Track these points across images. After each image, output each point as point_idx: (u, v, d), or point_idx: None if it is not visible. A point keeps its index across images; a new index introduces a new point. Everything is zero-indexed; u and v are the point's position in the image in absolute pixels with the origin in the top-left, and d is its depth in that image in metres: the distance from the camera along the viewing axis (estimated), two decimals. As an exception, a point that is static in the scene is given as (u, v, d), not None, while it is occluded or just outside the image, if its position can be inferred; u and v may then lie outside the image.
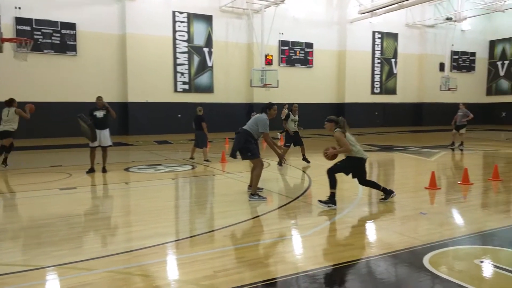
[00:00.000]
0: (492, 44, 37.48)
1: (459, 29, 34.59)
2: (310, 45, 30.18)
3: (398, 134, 25.90)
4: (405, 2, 27.26)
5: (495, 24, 36.24)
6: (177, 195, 9.14)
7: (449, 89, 32.93)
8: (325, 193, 7.21)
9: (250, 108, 26.75)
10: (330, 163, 7.38)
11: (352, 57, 31.47)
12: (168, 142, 20.72)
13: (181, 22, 25.94)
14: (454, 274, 4.32)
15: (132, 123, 24.81)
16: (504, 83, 36.81)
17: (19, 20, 21.76)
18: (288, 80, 28.45)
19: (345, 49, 31.39)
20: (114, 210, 7.58)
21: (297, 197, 8.05)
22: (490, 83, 37.93)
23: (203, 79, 26.88)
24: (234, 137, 8.13)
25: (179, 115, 25.35)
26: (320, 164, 12.38)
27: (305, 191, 8.81)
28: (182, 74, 26.23)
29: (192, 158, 13.54)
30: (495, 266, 4.55)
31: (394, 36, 33.35)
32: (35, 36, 21.91)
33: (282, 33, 28.71)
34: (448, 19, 32.55)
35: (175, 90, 26.10)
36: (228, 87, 27.66)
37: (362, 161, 7.35)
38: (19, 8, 21.71)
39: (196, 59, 26.56)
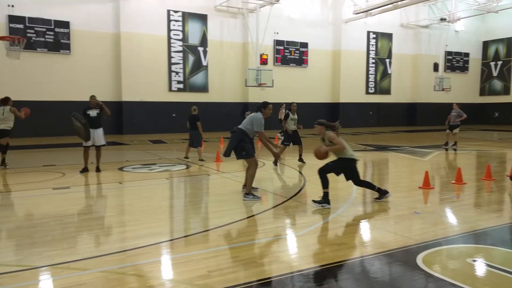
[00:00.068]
0: (486, 44, 37.66)
1: (453, 29, 34.76)
2: (305, 44, 30.21)
3: (392, 134, 25.97)
4: (399, 3, 27.34)
5: (489, 25, 36.42)
6: (172, 194, 9.12)
7: (443, 89, 33.08)
8: (319, 193, 7.22)
9: (245, 108, 26.75)
10: (323, 163, 7.39)
11: (346, 57, 31.54)
12: (163, 141, 20.68)
13: (176, 21, 25.90)
14: (447, 273, 4.34)
15: (126, 122, 24.74)
16: (497, 84, 37.00)
17: (12, 18, 21.65)
18: (283, 79, 28.46)
19: (339, 49, 31.45)
20: (108, 210, 7.55)
21: (292, 197, 8.05)
22: (483, 84, 38.12)
23: (198, 78, 26.85)
24: (230, 136, 8.13)
25: (174, 115, 25.30)
26: (315, 164, 12.40)
27: (300, 190, 8.82)
28: (177, 73, 26.19)
29: (186, 157, 13.52)
30: (488, 265, 4.58)
31: (388, 36, 33.45)
32: (28, 35, 21.80)
33: (277, 33, 28.73)
34: (442, 19, 32.69)
35: (170, 89, 26.06)
36: (223, 86, 27.64)
37: (353, 162, 7.37)
38: (12, 6, 21.61)
39: (191, 58, 26.53)
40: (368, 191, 8.08)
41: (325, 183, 7.14)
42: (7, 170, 11.44)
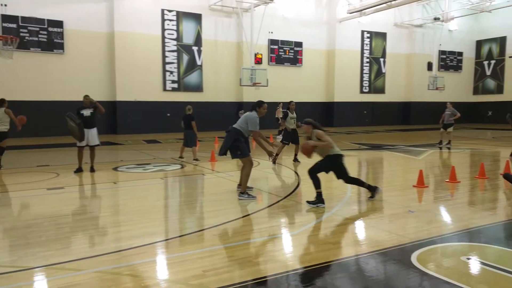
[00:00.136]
0: (479, 44, 37.84)
1: (446, 29, 34.91)
2: (299, 44, 30.24)
3: (387, 133, 26.06)
4: (393, 2, 27.41)
5: (482, 24, 36.60)
6: (166, 194, 9.11)
7: (436, 88, 33.21)
8: (314, 192, 7.22)
9: (239, 107, 26.73)
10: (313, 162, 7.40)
11: (341, 56, 31.59)
12: (157, 141, 20.64)
13: (170, 20, 25.85)
14: (441, 271, 4.36)
15: (121, 122, 24.68)
16: (491, 83, 37.18)
17: (5, 18, 21.54)
18: (277, 79, 28.46)
19: (334, 48, 31.50)
20: (103, 210, 7.53)
21: (287, 196, 8.06)
22: (476, 83, 38.30)
23: (192, 77, 26.82)
24: (225, 136, 8.12)
25: (168, 114, 25.26)
26: (310, 163, 12.44)
27: (295, 189, 8.83)
28: (171, 72, 26.14)
29: (181, 157, 13.51)
30: (482, 263, 4.60)
31: (382, 36, 33.53)
32: (22, 34, 21.70)
33: (272, 32, 28.74)
34: (436, 19, 32.81)
35: (164, 89, 26.01)
36: (217, 86, 27.62)
37: (340, 157, 7.36)
38: (5, 5, 21.49)
39: (185, 57, 26.49)
40: (363, 190, 8.09)
41: (317, 184, 7.15)
42: (1, 171, 11.39)
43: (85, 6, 23.71)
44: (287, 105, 13.25)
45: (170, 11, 25.74)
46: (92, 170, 11.04)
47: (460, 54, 37.29)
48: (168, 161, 13.34)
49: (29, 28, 22.21)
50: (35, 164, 12.70)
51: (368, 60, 33.22)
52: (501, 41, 35.88)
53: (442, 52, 35.88)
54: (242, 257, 4.82)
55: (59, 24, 22.93)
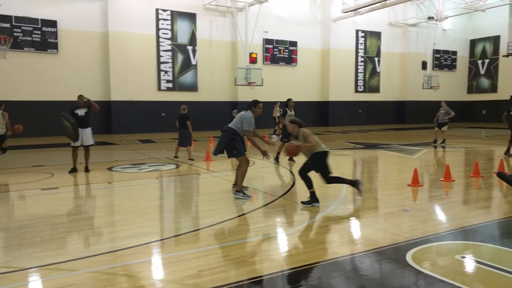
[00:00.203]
0: (473, 43, 37.98)
1: (440, 28, 35.05)
2: (294, 43, 30.26)
3: (381, 132, 26.12)
4: (387, 1, 27.49)
5: (476, 24, 36.74)
6: (161, 194, 9.09)
7: (431, 87, 33.34)
8: (308, 192, 7.21)
9: (234, 107, 26.72)
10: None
11: (336, 55, 31.65)
12: (152, 141, 20.60)
13: (165, 20, 25.81)
14: (436, 269, 4.37)
15: (115, 122, 24.62)
16: (485, 82, 37.33)
17: (-1, 18, 21.45)
18: (272, 78, 28.47)
19: (328, 47, 31.55)
20: (97, 210, 7.51)
21: (282, 195, 8.06)
22: (471, 82, 38.45)
23: (187, 77, 26.79)
24: (220, 135, 8.13)
25: (163, 114, 25.22)
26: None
27: (290, 189, 8.82)
28: (166, 72, 26.10)
29: (176, 157, 13.49)
30: (476, 261, 4.62)
31: (377, 35, 33.61)
32: (15, 34, 21.62)
33: (266, 32, 28.75)
34: (430, 18, 32.90)
35: (159, 89, 25.98)
36: (212, 85, 27.60)
37: (327, 154, 7.35)
38: (-1, 5, 21.40)
39: (180, 57, 26.45)
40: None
41: (309, 184, 7.16)
42: (-5, 171, 11.35)
43: (79, 6, 23.64)
44: (285, 103, 13.24)
45: (164, 10, 25.71)
46: (86, 170, 11.01)
47: (454, 53, 37.43)
48: (163, 161, 13.32)
49: (22, 27, 22.12)
50: (30, 164, 12.65)
51: (362, 59, 33.30)
52: (495, 40, 36.02)
53: (436, 51, 36.02)
54: (237, 256, 4.82)
55: (53, 23, 22.84)
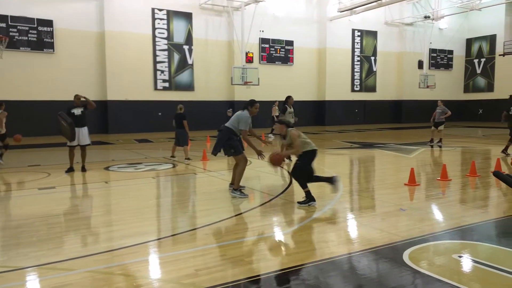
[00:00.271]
0: (469, 42, 38.08)
1: (436, 27, 35.13)
2: (290, 42, 30.27)
3: (378, 131, 26.16)
4: (383, 1, 27.56)
5: (472, 23, 36.80)
6: (158, 193, 9.08)
7: (427, 87, 33.42)
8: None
9: (230, 106, 26.73)
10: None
11: (332, 55, 31.67)
12: (149, 140, 20.57)
13: (161, 19, 25.78)
14: (433, 269, 4.37)
15: (112, 121, 24.58)
16: (481, 81, 37.43)
17: (-5, 17, 21.38)
18: (268, 77, 28.48)
19: (325, 47, 31.57)
20: (94, 210, 7.49)
21: (279, 195, 8.06)
22: (467, 81, 38.55)
23: (183, 77, 26.76)
24: (217, 135, 8.13)
25: (160, 113, 25.19)
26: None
27: (287, 188, 8.82)
28: (162, 72, 26.07)
29: (173, 156, 13.47)
30: (473, 261, 4.63)
31: (373, 34, 33.65)
32: (11, 33, 21.54)
33: (263, 31, 28.74)
34: (426, 17, 33.00)
35: (155, 88, 25.94)
36: (208, 85, 27.58)
37: (315, 152, 7.33)
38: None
39: (176, 56, 26.43)
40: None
41: (303, 184, 7.17)
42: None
43: (75, 6, 23.58)
44: (284, 100, 13.26)
45: (160, 10, 25.68)
46: (83, 169, 10.99)
47: (451, 52, 37.50)
48: (160, 160, 13.30)
49: (18, 27, 22.05)
50: (26, 164, 12.62)
51: (359, 58, 33.34)
52: (491, 39, 36.12)
53: (432, 51, 36.10)
54: (234, 256, 4.81)
55: (49, 23, 22.78)
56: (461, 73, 38.60)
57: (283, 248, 5.25)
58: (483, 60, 37.11)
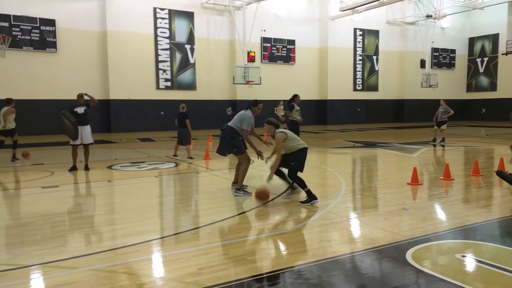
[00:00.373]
0: (472, 41, 38.01)
1: (439, 26, 35.04)
2: (292, 42, 30.27)
3: (380, 131, 26.14)
4: (385, 0, 27.49)
5: (474, 22, 36.74)
6: (161, 192, 9.09)
7: (430, 86, 33.37)
8: (309, 189, 7.22)
9: (233, 106, 26.72)
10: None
11: (334, 54, 31.65)
12: (151, 139, 20.60)
13: (162, 18, 25.80)
14: (436, 268, 4.37)
15: (115, 120, 24.62)
16: (484, 80, 37.36)
17: (-3, 16, 21.42)
18: (270, 77, 28.49)
19: (327, 46, 31.56)
20: (97, 208, 7.51)
21: (281, 194, 8.06)
22: (470, 80, 38.48)
23: (185, 76, 26.78)
24: (220, 134, 8.15)
25: (162, 112, 25.22)
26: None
27: (289, 187, 8.82)
28: (164, 71, 26.09)
29: (175, 155, 13.49)
30: (477, 260, 4.63)
31: (375, 33, 33.62)
32: (14, 33, 21.61)
33: (264, 30, 28.74)
34: (428, 16, 32.94)
35: (158, 87, 25.97)
36: (210, 84, 27.59)
37: (306, 150, 7.41)
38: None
39: (178, 56, 26.44)
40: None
41: (302, 183, 7.21)
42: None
43: (77, 5, 23.62)
44: (291, 98, 13.30)
45: (162, 9, 25.70)
46: (86, 168, 11.02)
47: (453, 51, 37.44)
48: (163, 159, 13.31)
49: (21, 26, 22.10)
50: (30, 163, 12.64)
51: (361, 57, 33.31)
52: (494, 38, 36.07)
53: (434, 50, 36.06)
54: (237, 254, 4.82)
55: (52, 22, 22.82)
56: (464, 72, 38.54)
57: (285, 247, 5.24)
58: (485, 59, 37.05)
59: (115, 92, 24.52)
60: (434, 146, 16.42)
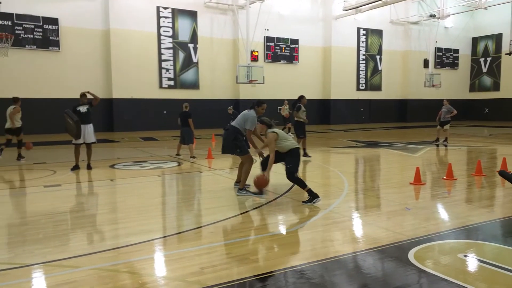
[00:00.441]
0: (475, 41, 37.91)
1: (442, 26, 34.99)
2: (295, 41, 30.24)
3: (383, 130, 26.10)
4: (389, -1, 27.48)
5: (478, 21, 36.66)
6: (164, 192, 9.09)
7: (433, 86, 33.30)
8: (312, 188, 7.21)
9: (236, 105, 26.72)
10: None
11: (337, 53, 31.62)
12: (154, 138, 20.61)
13: (166, 17, 25.80)
14: (439, 268, 4.36)
15: (117, 119, 24.64)
16: (487, 80, 37.27)
17: (0, 15, 21.41)
18: (273, 76, 28.47)
19: (330, 45, 31.52)
20: (100, 207, 7.51)
21: (284, 193, 8.06)
22: (473, 80, 38.39)
23: (188, 75, 26.79)
24: (223, 134, 8.15)
25: (165, 112, 25.24)
26: (306, 160, 12.46)
27: (292, 187, 8.80)
28: (167, 70, 26.10)
29: (178, 154, 13.49)
30: (479, 260, 4.61)
31: (378, 33, 33.56)
32: (17, 31, 21.64)
33: (268, 29, 28.69)
34: (432, 16, 32.87)
35: (160, 86, 25.98)
36: (214, 83, 27.60)
37: (298, 150, 7.49)
38: (0, 2, 21.35)
39: (181, 55, 26.45)
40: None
41: (302, 184, 7.23)
42: (-4, 168, 11.37)
43: (80, 4, 23.65)
44: (298, 99, 13.40)
45: (165, 8, 25.70)
46: (89, 167, 11.03)
47: (456, 51, 37.36)
48: (165, 158, 13.32)
49: (24, 25, 22.13)
50: (32, 162, 12.66)
51: (364, 57, 33.27)
52: (497, 38, 35.96)
53: (438, 49, 35.98)
54: (239, 254, 4.82)
55: (54, 21, 22.85)
56: (467, 72, 38.46)
57: (288, 247, 5.24)
58: (489, 59, 36.95)
59: (118, 91, 24.54)
60: (437, 146, 16.39)
